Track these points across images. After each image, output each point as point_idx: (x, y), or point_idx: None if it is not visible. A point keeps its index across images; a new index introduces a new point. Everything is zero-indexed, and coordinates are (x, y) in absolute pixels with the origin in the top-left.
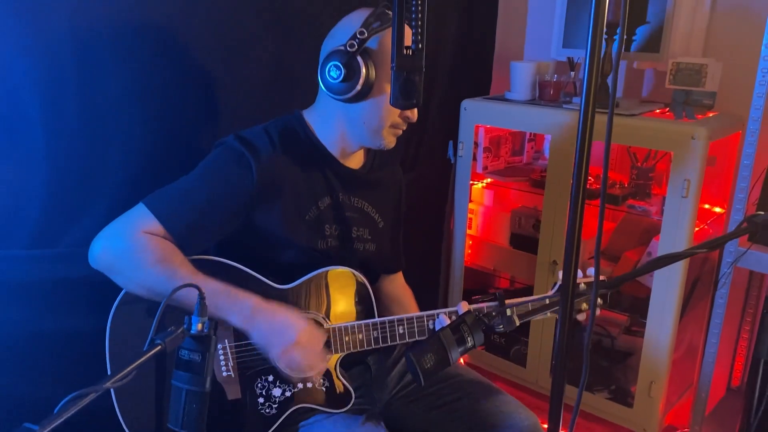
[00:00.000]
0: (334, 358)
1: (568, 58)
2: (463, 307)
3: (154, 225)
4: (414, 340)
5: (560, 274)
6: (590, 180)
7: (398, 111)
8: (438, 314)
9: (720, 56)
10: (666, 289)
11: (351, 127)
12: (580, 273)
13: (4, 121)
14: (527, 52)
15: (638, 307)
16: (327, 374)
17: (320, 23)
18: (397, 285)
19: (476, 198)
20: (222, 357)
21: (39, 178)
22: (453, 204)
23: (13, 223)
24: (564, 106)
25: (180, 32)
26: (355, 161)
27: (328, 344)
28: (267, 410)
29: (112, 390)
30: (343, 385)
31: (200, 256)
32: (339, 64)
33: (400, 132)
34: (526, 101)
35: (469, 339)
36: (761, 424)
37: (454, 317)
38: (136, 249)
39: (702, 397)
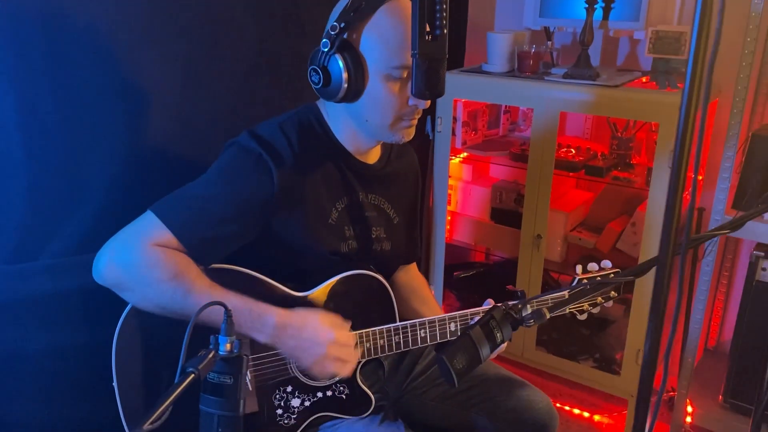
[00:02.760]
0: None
1: (545, 27)
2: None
3: (167, 237)
4: (435, 343)
5: (578, 268)
6: (572, 153)
7: (403, 101)
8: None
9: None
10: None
11: (358, 125)
12: (595, 266)
13: None
14: (498, 22)
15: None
16: (347, 381)
17: (301, 7)
18: (412, 275)
19: (454, 173)
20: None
21: (15, 185)
22: (432, 180)
23: None
24: (546, 78)
25: (158, 21)
26: (372, 156)
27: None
28: (285, 421)
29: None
30: (364, 391)
31: (213, 265)
32: (317, 68)
33: (415, 122)
34: (504, 73)
35: (498, 335)
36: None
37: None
38: (148, 263)
39: (689, 362)
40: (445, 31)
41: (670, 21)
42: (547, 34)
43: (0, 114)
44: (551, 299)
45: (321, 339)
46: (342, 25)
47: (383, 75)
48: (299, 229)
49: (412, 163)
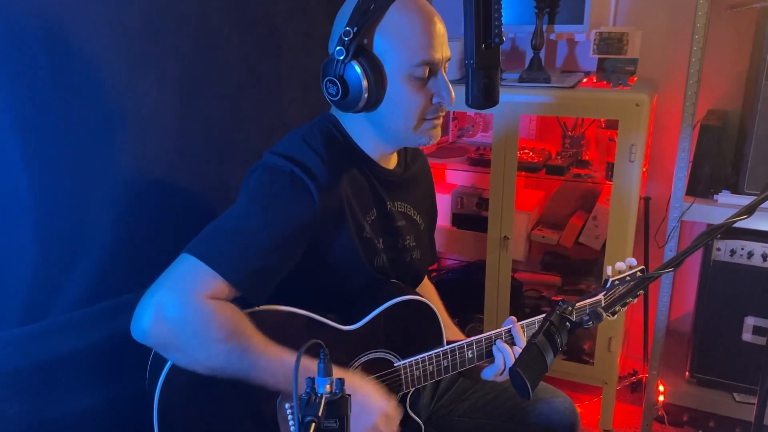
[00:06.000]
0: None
1: None
2: (514, 322)
3: (216, 282)
4: (482, 362)
5: (608, 269)
6: (529, 154)
7: (427, 101)
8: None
9: (630, 24)
10: (618, 248)
11: (380, 133)
12: (622, 265)
13: None
14: None
15: (585, 269)
16: None
17: (280, 21)
18: (424, 285)
19: None
20: (290, 414)
21: (21, 235)
22: None
23: None
24: (502, 83)
25: (154, 46)
26: (392, 161)
27: (399, 387)
28: None
29: None
30: (413, 419)
31: (259, 307)
32: (333, 79)
33: (440, 121)
34: (458, 80)
35: (558, 339)
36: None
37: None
38: (202, 320)
39: (658, 345)
40: (504, 39)
41: (607, 22)
42: None
43: (4, 150)
44: (589, 304)
45: (374, 407)
46: (355, 29)
47: (404, 76)
48: (342, 247)
49: (425, 165)
